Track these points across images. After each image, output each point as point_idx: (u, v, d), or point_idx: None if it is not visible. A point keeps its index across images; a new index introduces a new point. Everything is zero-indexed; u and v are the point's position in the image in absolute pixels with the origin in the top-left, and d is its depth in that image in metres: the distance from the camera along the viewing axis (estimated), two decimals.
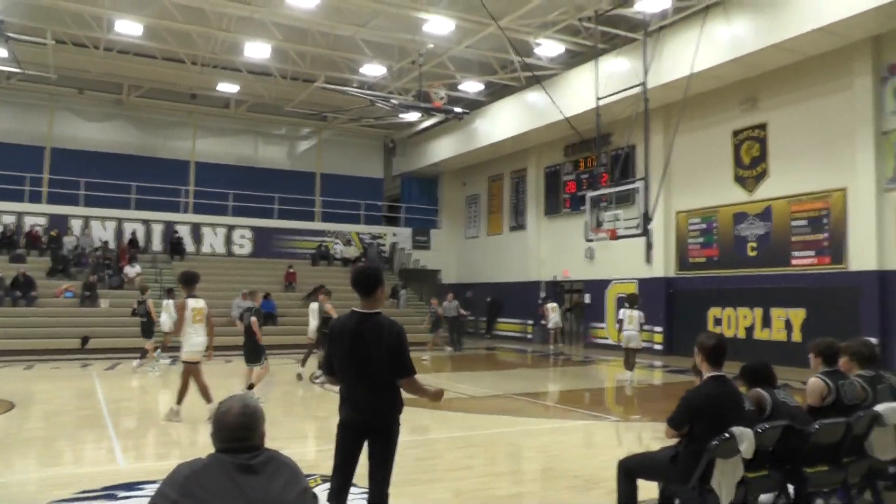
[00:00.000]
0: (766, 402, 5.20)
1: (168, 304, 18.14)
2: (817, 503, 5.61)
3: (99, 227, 27.14)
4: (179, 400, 10.31)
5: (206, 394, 10.24)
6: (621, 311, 16.49)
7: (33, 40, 21.28)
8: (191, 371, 10.30)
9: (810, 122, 18.29)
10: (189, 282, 10.68)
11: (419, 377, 4.78)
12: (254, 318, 12.21)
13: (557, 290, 27.43)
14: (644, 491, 5.16)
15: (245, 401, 2.84)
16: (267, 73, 25.61)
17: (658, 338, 21.88)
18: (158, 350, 17.87)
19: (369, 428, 4.72)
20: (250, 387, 12.00)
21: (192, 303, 10.44)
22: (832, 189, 17.75)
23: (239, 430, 2.72)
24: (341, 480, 4.77)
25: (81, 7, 20.00)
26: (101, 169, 27.66)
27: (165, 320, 17.92)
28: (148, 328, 17.51)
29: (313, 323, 15.22)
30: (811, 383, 5.54)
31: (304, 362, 15.49)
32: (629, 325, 15.71)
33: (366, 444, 4.75)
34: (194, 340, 10.36)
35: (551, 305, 23.82)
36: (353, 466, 4.78)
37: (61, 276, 24.11)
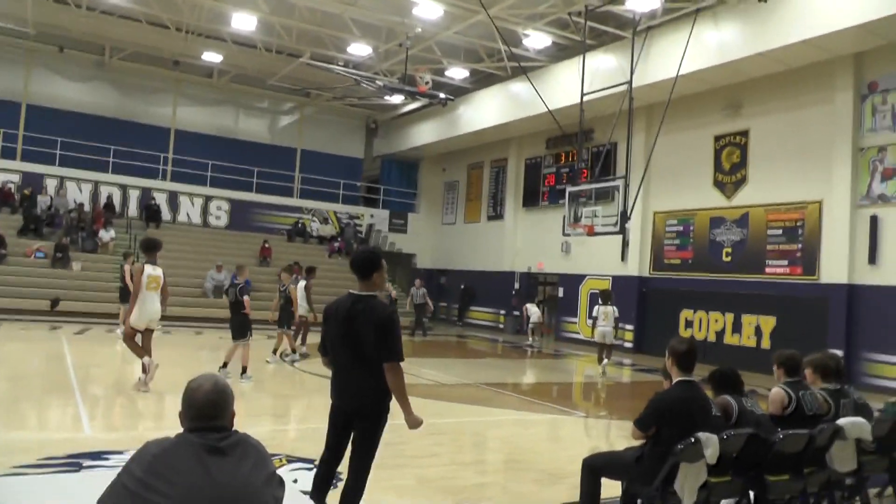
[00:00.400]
0: (732, 410, 5.29)
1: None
2: None
3: (74, 188, 26.75)
4: (145, 369, 10.26)
5: (138, 353, 10.33)
6: (596, 307, 17.26)
7: None
8: (131, 336, 10.31)
9: (791, 133, 18.47)
10: (149, 248, 10.63)
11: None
12: (247, 298, 11.98)
13: (531, 281, 27.55)
14: (607, 489, 5.23)
15: (216, 379, 2.84)
16: (252, 45, 25.33)
17: (628, 336, 22.07)
18: None
19: (355, 412, 4.70)
20: (224, 365, 11.92)
21: (150, 269, 10.33)
22: (808, 201, 17.96)
23: (209, 408, 2.71)
24: (327, 466, 4.82)
25: None
26: (78, 129, 27.21)
27: None
28: (125, 294, 17.44)
29: (303, 304, 15.09)
30: (773, 393, 5.68)
31: (300, 339, 15.50)
32: (603, 321, 16.56)
33: None
34: (146, 308, 10.24)
35: (529, 305, 23.82)
36: (341, 451, 4.80)
37: (33, 235, 23.79)
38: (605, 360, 16.56)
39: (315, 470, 4.94)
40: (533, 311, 23.30)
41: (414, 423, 4.73)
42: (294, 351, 14.84)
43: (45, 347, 14.72)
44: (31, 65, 27.39)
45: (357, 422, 4.71)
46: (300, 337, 15.46)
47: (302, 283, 15.21)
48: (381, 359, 4.57)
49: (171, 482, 2.48)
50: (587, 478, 5.19)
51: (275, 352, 14.74)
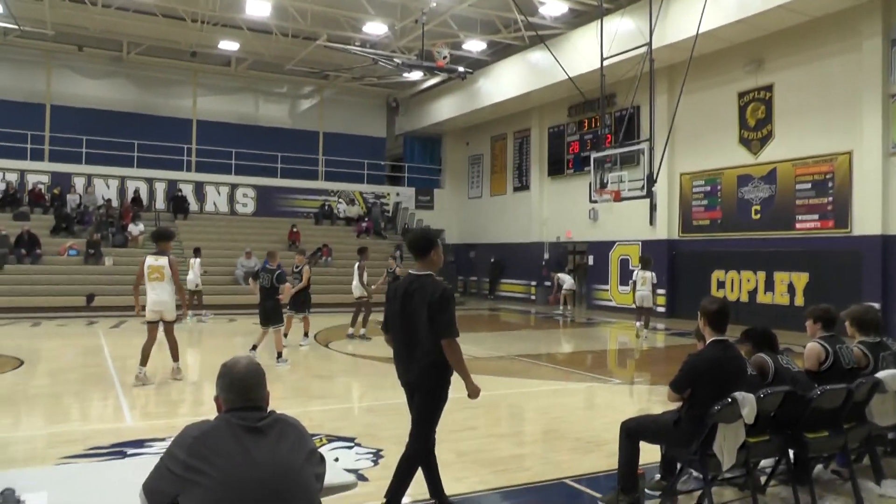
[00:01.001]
0: (768, 368, 5.25)
1: (194, 262, 19.33)
2: (817, 468, 5.70)
3: (102, 185, 27.14)
4: (174, 357, 10.36)
5: (145, 354, 10.07)
6: (635, 272, 17.70)
7: None
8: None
9: (817, 85, 18.14)
10: (157, 238, 10.52)
11: None
12: (288, 284, 12.09)
13: (561, 251, 27.46)
14: (645, 455, 5.23)
15: (249, 358, 2.94)
16: (268, 30, 25.31)
17: (661, 300, 21.88)
18: (190, 312, 18.55)
19: (414, 386, 4.92)
20: (253, 347, 12.02)
21: (151, 260, 10.17)
22: (837, 152, 17.66)
23: (245, 385, 2.77)
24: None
25: None
26: (102, 127, 27.53)
27: (191, 279, 18.80)
28: None
29: (355, 280, 15.53)
30: (809, 348, 5.60)
31: (353, 322, 15.68)
32: (642, 286, 16.97)
33: None
34: (149, 298, 10.07)
35: (561, 275, 23.55)
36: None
37: (65, 233, 24.17)
38: (642, 325, 16.93)
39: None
40: (566, 279, 23.13)
41: (474, 392, 4.86)
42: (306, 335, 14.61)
43: (83, 342, 14.98)
44: (51, 66, 27.69)
45: (416, 392, 4.92)
46: (360, 319, 15.56)
47: (356, 265, 15.63)
48: (437, 335, 4.71)
49: (213, 463, 2.53)
50: (625, 442, 5.18)
51: (305, 335, 14.57)
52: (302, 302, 14.07)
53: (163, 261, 10.12)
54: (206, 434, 2.62)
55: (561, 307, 23.05)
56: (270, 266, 12.18)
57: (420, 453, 4.92)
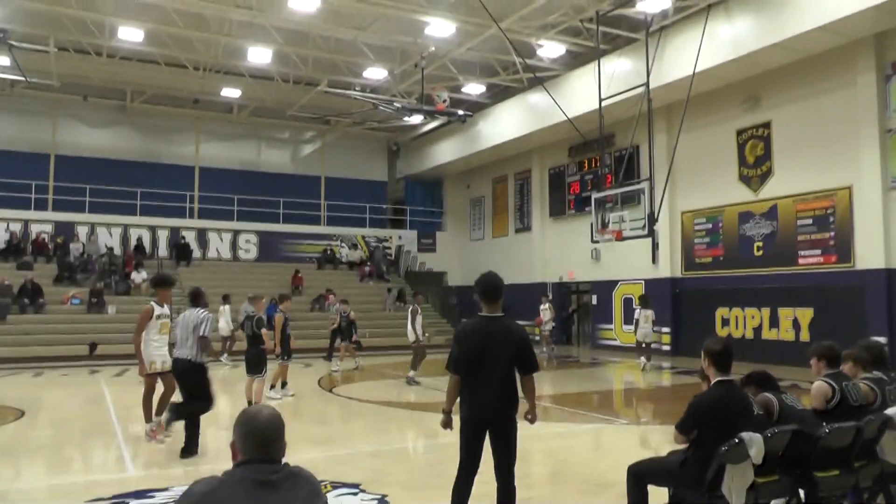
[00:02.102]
0: (773, 407, 5.19)
1: (224, 309, 19.74)
2: None
3: (105, 233, 27.25)
4: (157, 412, 9.31)
5: (146, 410, 9.38)
6: (637, 310, 18.80)
7: (36, 48, 21.31)
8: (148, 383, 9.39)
9: (814, 121, 18.26)
10: (158, 284, 9.77)
11: None
12: (265, 330, 11.60)
13: (563, 290, 27.41)
14: (654, 497, 5.15)
15: (271, 409, 2.82)
16: (269, 77, 25.63)
17: (665, 339, 21.84)
18: (225, 355, 19.18)
19: (491, 423, 5.14)
20: (283, 384, 11.92)
21: (158, 310, 9.38)
22: (837, 187, 17.71)
23: (268, 434, 2.68)
24: (467, 474, 5.20)
25: (83, 14, 20.02)
26: (105, 175, 27.72)
27: (223, 326, 19.35)
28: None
29: (414, 330, 15.46)
30: (816, 386, 5.54)
31: (413, 365, 15.57)
32: (644, 323, 18.15)
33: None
34: (151, 351, 9.30)
35: (543, 306, 23.39)
36: (478, 461, 5.19)
37: (68, 282, 24.21)
38: (645, 361, 18.08)
39: (455, 484, 5.25)
40: (545, 312, 23.04)
41: (535, 418, 5.46)
42: (284, 385, 13.56)
43: (85, 391, 14.90)
44: (56, 116, 28.01)
45: (494, 430, 5.16)
46: (415, 362, 15.46)
47: (410, 309, 15.86)
48: (525, 371, 5.20)
49: None
50: (633, 486, 5.11)
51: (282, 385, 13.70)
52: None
53: (167, 309, 9.52)
54: (214, 490, 2.53)
55: (544, 346, 22.84)
56: (253, 312, 11.71)
57: (514, 485, 5.21)
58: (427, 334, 15.72)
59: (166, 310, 9.47)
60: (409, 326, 15.60)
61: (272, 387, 13.22)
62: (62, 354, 20.22)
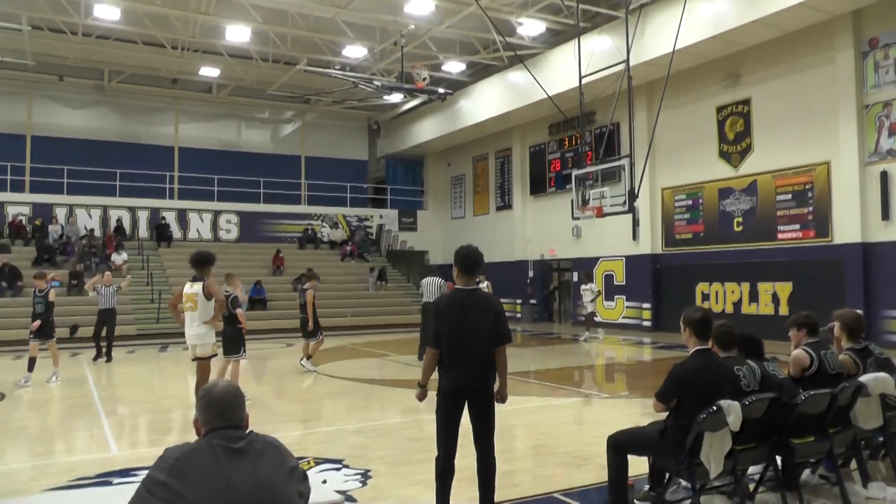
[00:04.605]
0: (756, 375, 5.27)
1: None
2: (804, 473, 5.71)
3: (84, 214, 26.99)
4: None
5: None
6: (583, 286, 20.99)
7: (8, 26, 20.99)
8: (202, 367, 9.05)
9: (793, 97, 18.38)
10: (197, 263, 9.07)
11: None
12: (240, 310, 11.31)
13: (545, 268, 27.52)
14: (634, 467, 5.23)
15: (227, 382, 2.96)
16: (248, 56, 25.40)
17: (646, 314, 22.02)
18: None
19: (470, 392, 5.12)
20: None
21: (187, 287, 9.00)
22: (816, 163, 17.86)
23: (224, 405, 2.78)
24: (448, 448, 5.16)
25: None
26: (84, 156, 27.46)
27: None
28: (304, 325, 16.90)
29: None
30: (795, 354, 5.64)
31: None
32: (588, 297, 20.47)
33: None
34: (188, 333, 9.04)
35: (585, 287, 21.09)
36: (457, 433, 5.16)
37: (47, 265, 23.93)
38: (589, 333, 20.34)
39: (438, 459, 5.18)
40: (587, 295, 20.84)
41: (506, 398, 5.38)
42: (309, 357, 14.21)
43: (66, 374, 14.78)
44: (32, 96, 27.63)
45: (473, 399, 5.14)
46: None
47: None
48: (500, 342, 5.15)
49: (193, 486, 2.51)
50: (613, 456, 5.17)
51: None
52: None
53: (197, 287, 8.87)
54: (187, 455, 2.61)
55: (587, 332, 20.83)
56: (228, 291, 11.27)
57: (495, 457, 5.23)
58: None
59: (193, 288, 8.91)
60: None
61: (309, 357, 14.10)
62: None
